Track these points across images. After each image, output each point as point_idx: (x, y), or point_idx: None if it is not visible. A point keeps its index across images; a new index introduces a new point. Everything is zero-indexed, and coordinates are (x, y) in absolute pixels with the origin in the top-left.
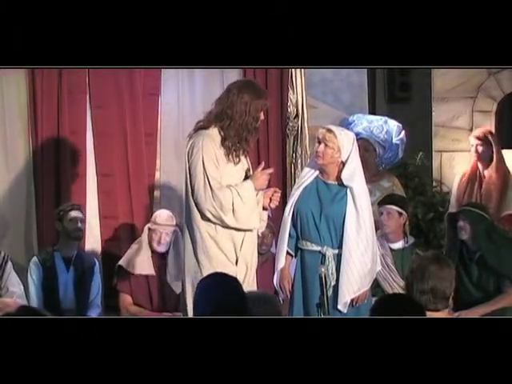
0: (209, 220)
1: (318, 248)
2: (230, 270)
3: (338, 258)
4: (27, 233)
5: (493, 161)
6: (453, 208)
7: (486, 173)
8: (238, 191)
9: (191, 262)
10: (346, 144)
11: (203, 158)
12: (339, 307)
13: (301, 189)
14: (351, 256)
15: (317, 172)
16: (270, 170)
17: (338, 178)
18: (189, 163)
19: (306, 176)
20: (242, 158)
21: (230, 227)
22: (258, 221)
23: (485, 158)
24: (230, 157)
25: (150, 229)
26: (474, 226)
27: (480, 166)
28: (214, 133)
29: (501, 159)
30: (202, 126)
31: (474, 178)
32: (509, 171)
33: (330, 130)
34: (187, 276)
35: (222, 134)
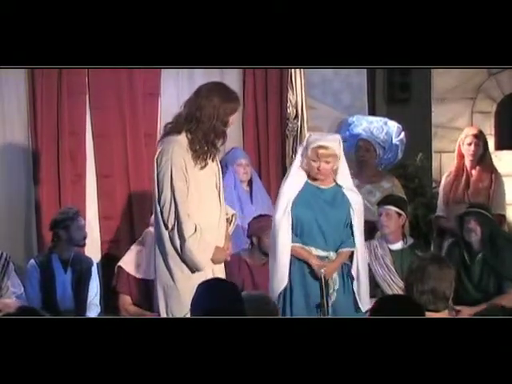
0: (167, 229)
1: (325, 253)
2: (200, 274)
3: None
4: (27, 234)
5: (483, 160)
6: (440, 209)
7: (473, 172)
8: (200, 235)
9: (162, 268)
10: (338, 150)
11: (172, 168)
12: (363, 309)
13: (293, 197)
14: (362, 254)
15: (305, 178)
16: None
17: (330, 182)
18: (157, 170)
19: (294, 182)
20: (209, 161)
21: (174, 246)
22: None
23: (477, 157)
24: (198, 160)
25: None
26: (484, 227)
27: (468, 164)
28: (182, 139)
29: (491, 158)
30: (171, 130)
31: (460, 176)
32: (497, 171)
33: (324, 147)
34: (159, 282)
35: (190, 136)
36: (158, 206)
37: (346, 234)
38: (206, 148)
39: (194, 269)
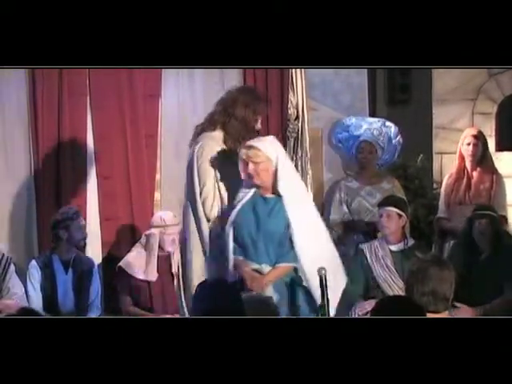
0: (209, 221)
1: (257, 266)
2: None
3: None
4: (28, 235)
5: (483, 161)
6: (442, 210)
7: (474, 173)
8: None
9: (198, 263)
10: (270, 150)
11: (214, 160)
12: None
13: (238, 207)
14: (307, 267)
15: (254, 188)
16: None
17: (276, 190)
18: (197, 165)
19: (243, 193)
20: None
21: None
22: None
23: (477, 157)
24: (230, 156)
25: (161, 232)
26: (494, 229)
27: (469, 165)
28: (218, 135)
29: (491, 159)
30: (204, 128)
31: (461, 178)
32: (498, 172)
33: (250, 147)
34: (194, 276)
35: (224, 133)
36: (198, 199)
37: (284, 248)
38: (238, 143)
39: None
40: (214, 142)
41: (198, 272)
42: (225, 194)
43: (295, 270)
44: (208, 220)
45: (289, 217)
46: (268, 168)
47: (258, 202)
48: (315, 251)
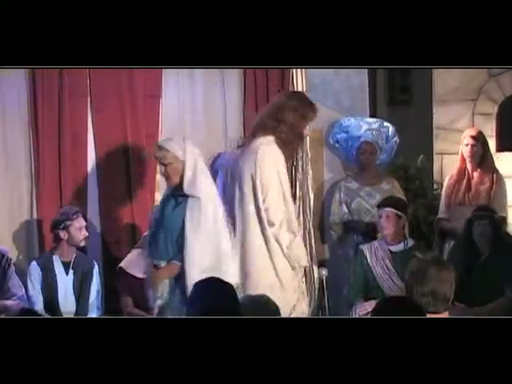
0: (273, 226)
1: (156, 262)
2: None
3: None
4: (28, 235)
5: (483, 161)
6: (442, 211)
7: (474, 174)
8: None
9: (264, 270)
10: (179, 150)
11: (279, 166)
12: None
13: (156, 205)
14: (190, 268)
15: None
16: None
17: (180, 189)
18: (260, 171)
19: (164, 190)
20: (289, 163)
21: (279, 243)
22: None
23: (476, 158)
24: (285, 160)
25: None
26: (494, 230)
27: (469, 166)
28: (270, 139)
29: (492, 160)
30: (254, 134)
31: (461, 178)
32: (499, 173)
33: (160, 148)
34: (253, 288)
35: (274, 137)
36: (261, 205)
37: (178, 246)
38: (289, 148)
39: (296, 264)
40: (274, 147)
41: (262, 279)
42: (289, 199)
43: (182, 269)
44: (271, 225)
45: (187, 217)
46: (177, 168)
47: (168, 200)
48: (200, 254)
